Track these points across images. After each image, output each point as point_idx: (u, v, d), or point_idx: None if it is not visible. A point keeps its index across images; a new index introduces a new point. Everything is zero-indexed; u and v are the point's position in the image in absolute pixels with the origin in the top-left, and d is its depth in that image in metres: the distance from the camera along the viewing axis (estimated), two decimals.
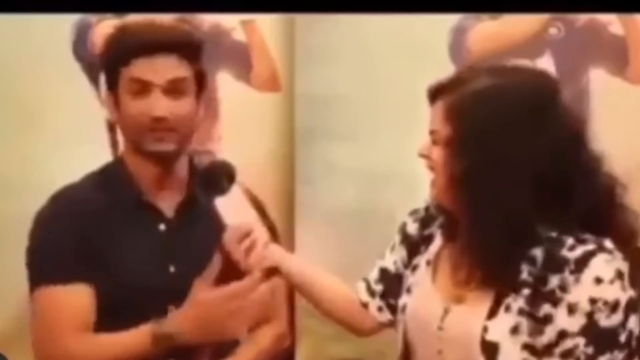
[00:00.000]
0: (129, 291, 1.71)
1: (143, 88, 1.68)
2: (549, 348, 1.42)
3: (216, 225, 1.76)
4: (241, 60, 2.66)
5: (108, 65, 1.74)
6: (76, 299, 1.70)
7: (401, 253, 1.72)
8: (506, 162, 1.42)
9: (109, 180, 1.79)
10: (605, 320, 1.39)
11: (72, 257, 1.70)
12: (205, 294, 1.63)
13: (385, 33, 2.54)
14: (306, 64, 2.63)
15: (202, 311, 1.63)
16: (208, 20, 2.58)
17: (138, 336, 1.66)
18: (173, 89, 1.69)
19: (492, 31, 2.51)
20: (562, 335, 1.40)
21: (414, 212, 1.73)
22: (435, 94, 1.53)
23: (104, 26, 2.57)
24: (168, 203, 1.78)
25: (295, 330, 2.62)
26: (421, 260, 1.64)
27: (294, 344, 2.66)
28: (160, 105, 1.67)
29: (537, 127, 1.43)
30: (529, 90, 1.46)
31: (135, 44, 1.69)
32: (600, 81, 2.43)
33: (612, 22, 2.41)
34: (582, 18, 2.42)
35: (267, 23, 2.66)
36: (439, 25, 2.49)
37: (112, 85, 1.73)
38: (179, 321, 1.64)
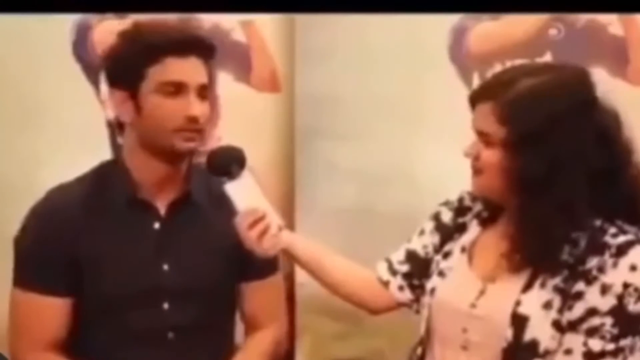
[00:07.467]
0: (122, 290, 1.71)
1: (178, 89, 1.68)
2: (576, 324, 1.48)
3: (209, 223, 1.77)
4: (241, 61, 2.66)
5: (130, 63, 1.69)
6: (48, 312, 1.72)
7: (433, 239, 1.76)
8: (561, 154, 1.49)
9: (103, 179, 1.78)
10: (634, 306, 1.46)
11: (53, 269, 1.72)
12: None
13: (385, 33, 2.54)
14: (306, 64, 2.63)
15: None
16: (208, 20, 2.57)
17: None
18: (201, 92, 1.71)
19: (492, 31, 2.51)
20: (591, 312, 1.47)
21: (446, 203, 1.78)
22: (478, 97, 1.58)
23: (104, 26, 2.57)
24: (164, 202, 1.78)
25: (295, 330, 2.62)
26: (454, 247, 1.70)
27: (294, 344, 2.66)
28: (196, 105, 1.69)
29: (583, 118, 1.51)
30: (572, 85, 1.54)
31: (166, 42, 1.68)
32: (600, 81, 2.43)
33: (612, 22, 2.41)
34: (582, 18, 2.42)
35: (267, 23, 2.66)
36: (439, 25, 2.50)
37: (133, 84, 1.69)
38: None
